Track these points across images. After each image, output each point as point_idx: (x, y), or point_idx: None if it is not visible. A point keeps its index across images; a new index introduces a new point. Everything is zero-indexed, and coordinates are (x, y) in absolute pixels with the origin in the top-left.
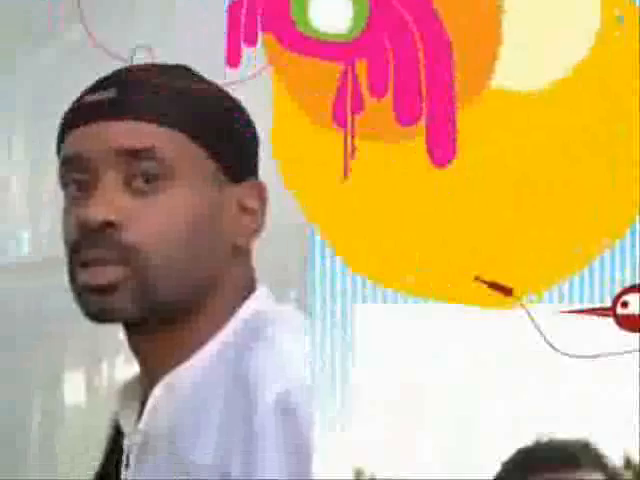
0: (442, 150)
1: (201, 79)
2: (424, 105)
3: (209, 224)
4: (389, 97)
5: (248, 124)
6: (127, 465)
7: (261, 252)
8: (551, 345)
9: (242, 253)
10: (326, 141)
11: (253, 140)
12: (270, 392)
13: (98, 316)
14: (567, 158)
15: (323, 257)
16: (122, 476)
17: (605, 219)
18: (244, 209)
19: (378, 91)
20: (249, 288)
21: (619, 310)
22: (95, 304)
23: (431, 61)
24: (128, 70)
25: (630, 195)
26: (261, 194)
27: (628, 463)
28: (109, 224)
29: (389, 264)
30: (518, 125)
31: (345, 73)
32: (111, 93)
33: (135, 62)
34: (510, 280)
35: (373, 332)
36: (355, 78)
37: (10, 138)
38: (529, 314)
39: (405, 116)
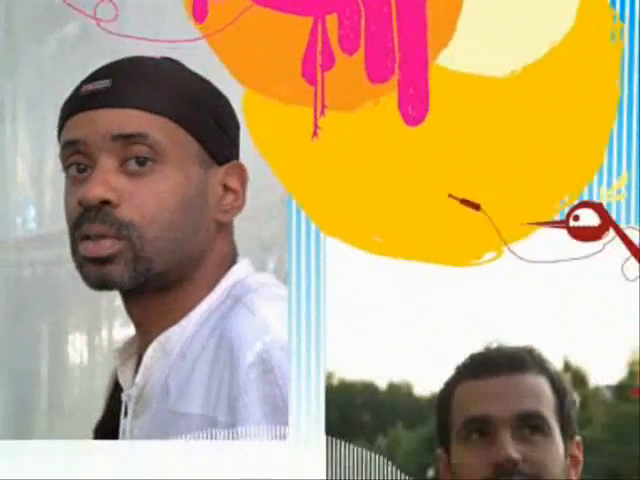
0: (414, 108)
1: (188, 71)
2: (396, 62)
3: (196, 202)
4: (360, 53)
5: (230, 112)
6: (125, 415)
7: (244, 227)
8: (513, 252)
9: (225, 229)
10: (294, 112)
11: (235, 126)
12: (251, 352)
13: (97, 284)
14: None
15: (299, 231)
16: (121, 425)
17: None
18: (227, 188)
19: (349, 47)
20: (232, 260)
21: (571, 223)
22: (95, 274)
23: (404, 18)
24: (122, 62)
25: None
26: (242, 175)
27: (567, 367)
28: (106, 202)
29: (359, 226)
30: (489, 105)
31: (315, 27)
32: (106, 83)
33: (99, 14)
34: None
35: (347, 291)
36: (325, 33)
37: (15, 125)
38: (493, 223)
39: (376, 73)
